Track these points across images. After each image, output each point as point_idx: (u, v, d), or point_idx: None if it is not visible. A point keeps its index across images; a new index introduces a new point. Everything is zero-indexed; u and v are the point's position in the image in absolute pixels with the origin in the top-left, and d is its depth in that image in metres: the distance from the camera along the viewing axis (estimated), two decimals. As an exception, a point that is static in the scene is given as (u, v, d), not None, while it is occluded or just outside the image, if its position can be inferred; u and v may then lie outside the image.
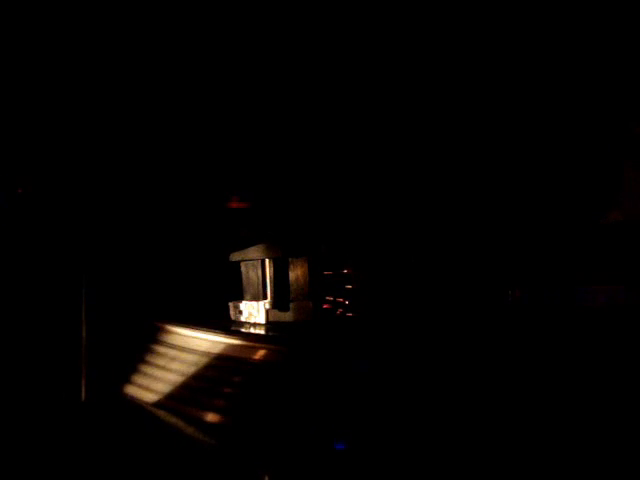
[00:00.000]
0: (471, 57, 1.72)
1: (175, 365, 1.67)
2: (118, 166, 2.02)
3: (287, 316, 1.76)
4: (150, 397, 1.65)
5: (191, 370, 1.59)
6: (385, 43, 1.79)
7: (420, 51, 1.78)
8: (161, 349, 1.79)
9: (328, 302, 1.74)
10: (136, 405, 1.67)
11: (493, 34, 1.69)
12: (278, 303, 1.79)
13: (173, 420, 1.50)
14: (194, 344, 1.67)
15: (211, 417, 1.44)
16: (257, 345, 1.54)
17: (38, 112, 1.90)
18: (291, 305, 1.76)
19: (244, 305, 1.86)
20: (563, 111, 1.67)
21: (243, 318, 1.85)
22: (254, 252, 1.84)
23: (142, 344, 1.86)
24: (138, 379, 1.76)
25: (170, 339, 1.78)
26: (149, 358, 1.80)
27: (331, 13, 1.82)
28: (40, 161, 1.92)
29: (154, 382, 1.69)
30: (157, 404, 1.62)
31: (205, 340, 1.65)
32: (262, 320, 1.78)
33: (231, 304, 1.91)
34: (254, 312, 1.82)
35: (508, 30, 1.66)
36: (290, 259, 1.77)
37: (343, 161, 1.92)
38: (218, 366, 1.56)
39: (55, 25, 1.83)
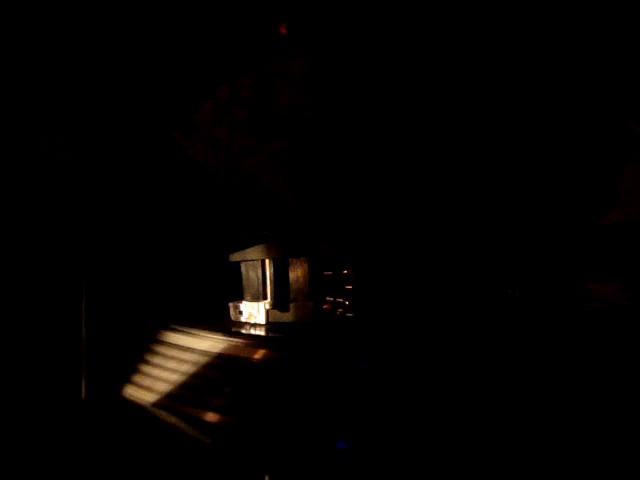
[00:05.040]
0: (471, 57, 1.73)
1: (175, 365, 1.67)
2: (118, 166, 2.02)
3: (287, 316, 1.76)
4: (150, 397, 1.65)
5: (191, 370, 1.60)
6: (382, 42, 1.80)
7: (420, 50, 1.78)
8: (161, 349, 1.79)
9: (328, 302, 1.75)
10: (136, 404, 1.67)
11: (494, 34, 1.69)
12: (278, 303, 1.79)
13: (173, 420, 1.50)
14: (194, 344, 1.67)
15: (211, 417, 1.44)
16: (257, 345, 1.54)
17: (39, 110, 1.91)
18: (291, 305, 1.76)
19: (244, 305, 1.86)
20: (563, 111, 1.67)
21: (243, 319, 1.85)
22: (254, 252, 1.84)
23: (142, 344, 1.86)
24: (138, 379, 1.76)
25: (170, 339, 1.78)
26: (149, 358, 1.80)
27: (327, 13, 1.83)
28: (40, 160, 1.92)
29: (154, 382, 1.69)
30: (157, 404, 1.62)
31: (205, 341, 1.65)
32: (262, 320, 1.79)
33: (231, 304, 1.91)
34: (254, 312, 1.82)
35: (509, 30, 1.67)
36: (290, 259, 1.77)
37: (343, 161, 1.92)
38: (218, 366, 1.56)
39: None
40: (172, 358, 1.70)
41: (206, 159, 2.03)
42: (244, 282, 1.89)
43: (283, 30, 1.83)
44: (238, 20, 1.86)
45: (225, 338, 1.61)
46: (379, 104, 1.86)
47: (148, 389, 1.68)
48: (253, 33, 1.85)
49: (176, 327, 1.79)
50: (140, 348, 1.84)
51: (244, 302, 1.87)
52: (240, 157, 1.97)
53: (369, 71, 1.84)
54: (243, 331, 1.72)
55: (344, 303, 1.73)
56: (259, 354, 1.50)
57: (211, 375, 1.55)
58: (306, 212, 1.95)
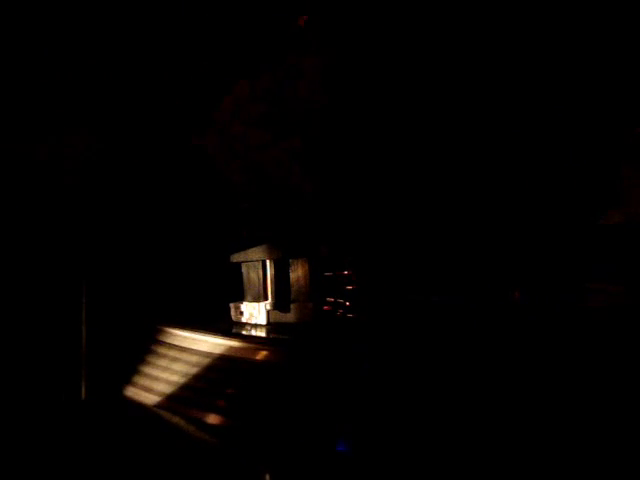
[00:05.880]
0: (471, 58, 1.73)
1: (176, 366, 1.67)
2: (118, 167, 2.02)
3: (288, 317, 1.76)
4: (151, 397, 1.65)
5: (192, 371, 1.60)
6: (396, 40, 1.80)
7: (419, 50, 1.78)
8: (162, 349, 1.79)
9: (329, 303, 1.75)
10: (136, 405, 1.67)
11: (494, 34, 1.69)
12: (279, 304, 1.79)
13: (174, 420, 1.50)
14: (195, 345, 1.67)
15: (213, 418, 1.44)
16: (259, 346, 1.54)
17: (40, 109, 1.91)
18: (292, 306, 1.76)
19: (245, 306, 1.86)
20: (563, 112, 1.67)
21: (244, 319, 1.86)
22: (255, 253, 1.85)
23: (143, 345, 1.86)
24: (138, 379, 1.76)
25: (171, 340, 1.78)
26: (150, 358, 1.80)
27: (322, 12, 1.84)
28: (41, 162, 1.93)
29: (154, 382, 1.69)
30: (158, 404, 1.62)
31: (206, 342, 1.65)
32: (263, 321, 1.79)
33: (232, 305, 1.91)
34: (255, 313, 1.82)
35: (509, 30, 1.67)
36: (291, 260, 1.78)
37: (343, 162, 1.92)
38: (220, 367, 1.56)
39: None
40: (173, 359, 1.70)
41: (220, 155, 2.03)
42: (245, 283, 1.89)
43: (302, 22, 1.83)
44: (257, 16, 1.87)
45: (226, 340, 1.60)
46: (388, 104, 1.87)
47: (148, 390, 1.68)
48: (272, 29, 1.87)
49: (177, 328, 1.79)
50: (140, 349, 1.84)
51: (245, 303, 1.87)
52: (255, 153, 1.98)
53: (383, 69, 1.84)
54: (244, 332, 1.72)
55: (345, 304, 1.74)
56: (260, 355, 1.50)
57: (212, 376, 1.55)
58: (314, 210, 1.95)
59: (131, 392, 1.75)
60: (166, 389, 1.63)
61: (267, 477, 1.26)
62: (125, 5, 1.88)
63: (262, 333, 1.70)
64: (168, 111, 2.04)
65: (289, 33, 1.88)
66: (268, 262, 1.82)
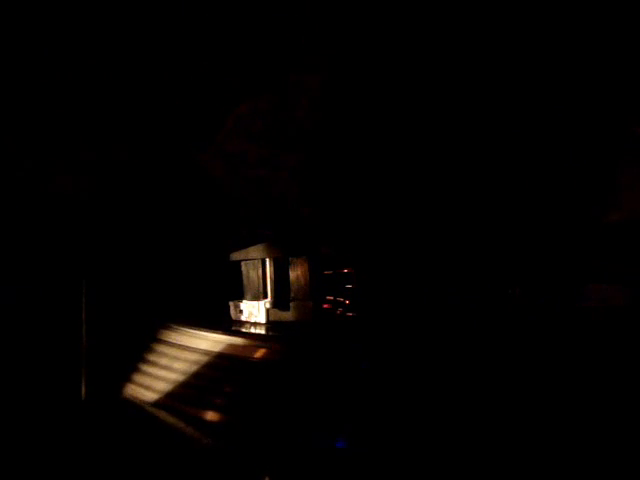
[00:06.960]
0: (470, 57, 1.72)
1: (175, 364, 1.67)
2: (118, 167, 2.02)
3: (287, 315, 1.76)
4: (150, 396, 1.65)
5: (192, 369, 1.60)
6: (381, 41, 1.80)
7: (418, 50, 1.78)
8: (161, 348, 1.79)
9: (328, 302, 1.75)
10: (136, 404, 1.67)
11: (493, 34, 1.69)
12: (278, 302, 1.79)
13: (173, 419, 1.50)
14: (195, 344, 1.67)
15: (211, 416, 1.44)
16: (258, 344, 1.54)
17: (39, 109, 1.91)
18: (291, 305, 1.76)
19: (245, 304, 1.86)
20: (563, 111, 1.67)
21: (244, 317, 1.86)
22: (255, 252, 1.85)
23: (142, 343, 1.86)
24: (138, 378, 1.76)
25: (171, 338, 1.78)
26: (149, 357, 1.80)
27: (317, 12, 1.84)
28: (42, 162, 1.93)
29: (154, 381, 1.69)
30: (157, 403, 1.62)
31: (206, 340, 1.65)
32: (262, 319, 1.79)
33: (232, 303, 1.91)
34: (254, 311, 1.82)
35: (508, 30, 1.67)
36: (290, 259, 1.77)
37: (342, 160, 1.92)
38: (219, 365, 1.56)
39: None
40: (172, 357, 1.70)
41: (219, 171, 2.06)
42: (244, 281, 1.90)
43: (302, 42, 1.84)
44: (258, 37, 1.87)
45: (225, 337, 1.61)
46: (386, 114, 1.87)
47: (148, 388, 1.68)
48: (273, 49, 1.87)
49: (176, 326, 1.79)
50: (140, 347, 1.84)
51: (244, 301, 1.87)
52: (253, 168, 2.00)
53: (383, 85, 1.85)
54: (243, 330, 1.72)
55: (344, 302, 1.74)
56: (259, 353, 1.50)
57: (211, 374, 1.55)
58: (314, 216, 1.95)
59: (131, 390, 1.75)
60: (165, 387, 1.63)
61: (267, 478, 1.26)
62: (128, 19, 1.88)
63: (261, 331, 1.70)
64: (170, 126, 2.04)
65: (290, 53, 1.88)
66: (268, 260, 1.82)
